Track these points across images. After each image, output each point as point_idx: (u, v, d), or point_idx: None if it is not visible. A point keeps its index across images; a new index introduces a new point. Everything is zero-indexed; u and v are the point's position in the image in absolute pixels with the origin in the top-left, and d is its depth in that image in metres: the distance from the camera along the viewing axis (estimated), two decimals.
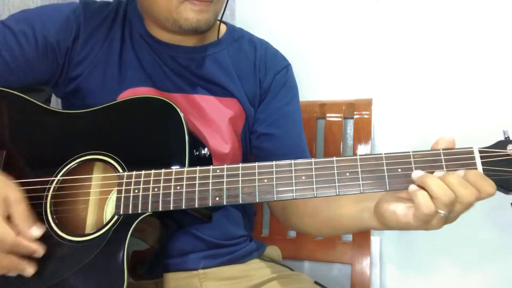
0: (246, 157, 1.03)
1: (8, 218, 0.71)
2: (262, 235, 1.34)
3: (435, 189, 0.61)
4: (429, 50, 1.28)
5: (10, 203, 0.72)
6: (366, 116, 1.28)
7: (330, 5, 1.37)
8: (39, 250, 0.73)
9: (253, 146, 1.01)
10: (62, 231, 0.76)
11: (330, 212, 0.83)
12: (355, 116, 1.29)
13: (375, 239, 1.28)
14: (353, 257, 1.23)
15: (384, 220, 0.69)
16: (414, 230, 0.66)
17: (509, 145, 0.62)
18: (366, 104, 1.29)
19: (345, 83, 1.36)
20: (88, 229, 0.80)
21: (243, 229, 1.01)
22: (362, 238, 1.24)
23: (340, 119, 1.30)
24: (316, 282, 0.96)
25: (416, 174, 0.64)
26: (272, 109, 0.99)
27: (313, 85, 1.38)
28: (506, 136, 0.64)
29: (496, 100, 1.22)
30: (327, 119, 1.31)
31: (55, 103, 1.11)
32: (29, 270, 0.72)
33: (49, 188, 0.79)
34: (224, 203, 0.70)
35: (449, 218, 0.64)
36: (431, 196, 0.62)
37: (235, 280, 0.94)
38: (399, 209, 0.66)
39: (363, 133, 1.28)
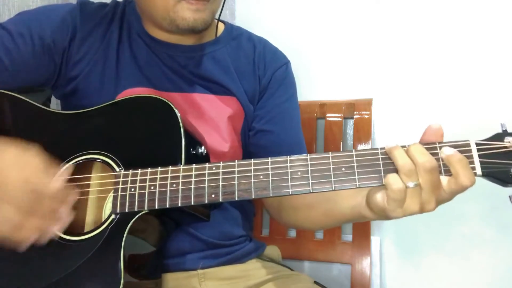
0: (247, 156, 1.02)
1: None
2: (262, 235, 1.33)
3: (398, 160, 0.63)
4: (428, 50, 1.28)
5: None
6: (366, 116, 1.28)
7: (330, 5, 1.37)
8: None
9: (250, 143, 1.00)
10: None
11: (329, 201, 0.81)
12: (355, 116, 1.29)
13: (375, 239, 1.28)
14: (353, 257, 1.23)
15: (370, 202, 0.68)
16: (393, 213, 0.64)
17: (506, 137, 0.62)
18: (366, 104, 1.28)
19: (345, 83, 1.36)
20: (86, 229, 0.80)
21: (243, 229, 1.00)
22: (362, 238, 1.23)
23: (340, 119, 1.30)
24: (316, 282, 0.96)
25: (387, 146, 0.65)
26: (270, 106, 0.98)
27: (313, 85, 1.38)
28: (503, 129, 0.63)
29: (497, 100, 1.21)
30: (327, 119, 1.31)
31: (55, 103, 1.11)
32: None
33: None
34: (220, 200, 0.70)
35: (423, 198, 0.63)
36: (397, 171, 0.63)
37: (235, 280, 0.94)
38: (378, 193, 0.66)
39: (363, 133, 1.27)
